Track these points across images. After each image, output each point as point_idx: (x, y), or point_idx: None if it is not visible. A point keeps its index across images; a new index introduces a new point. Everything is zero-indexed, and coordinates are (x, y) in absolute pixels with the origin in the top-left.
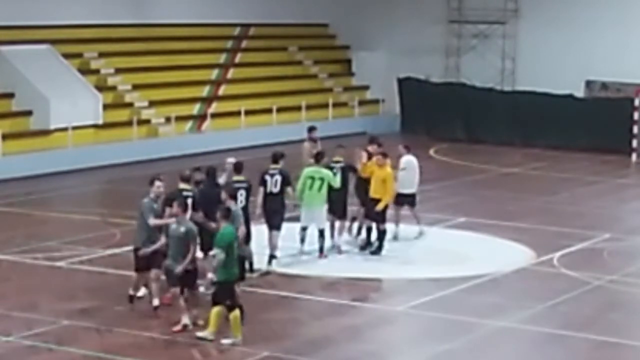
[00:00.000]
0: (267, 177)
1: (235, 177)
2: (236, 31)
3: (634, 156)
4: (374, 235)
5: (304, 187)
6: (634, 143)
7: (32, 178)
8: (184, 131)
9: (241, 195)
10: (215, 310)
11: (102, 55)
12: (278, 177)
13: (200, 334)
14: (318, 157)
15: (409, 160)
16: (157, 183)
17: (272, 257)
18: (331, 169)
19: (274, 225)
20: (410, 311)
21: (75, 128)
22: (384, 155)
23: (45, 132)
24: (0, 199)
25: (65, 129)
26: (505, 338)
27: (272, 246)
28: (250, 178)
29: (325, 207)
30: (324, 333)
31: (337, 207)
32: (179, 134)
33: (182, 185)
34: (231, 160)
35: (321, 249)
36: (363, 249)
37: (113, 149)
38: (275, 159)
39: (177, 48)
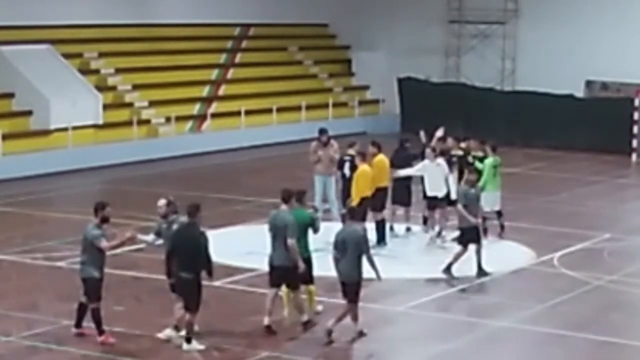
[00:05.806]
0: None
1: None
2: (236, 31)
3: (634, 156)
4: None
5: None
6: (634, 143)
7: (32, 178)
8: (184, 131)
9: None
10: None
11: (102, 55)
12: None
13: None
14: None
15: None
16: None
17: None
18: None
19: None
20: (410, 311)
21: (75, 128)
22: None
23: (45, 132)
24: (0, 199)
25: (65, 129)
26: (505, 338)
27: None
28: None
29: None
30: (324, 333)
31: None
32: (179, 134)
33: (349, 151)
34: (162, 202)
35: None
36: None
37: (113, 149)
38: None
39: (177, 48)
